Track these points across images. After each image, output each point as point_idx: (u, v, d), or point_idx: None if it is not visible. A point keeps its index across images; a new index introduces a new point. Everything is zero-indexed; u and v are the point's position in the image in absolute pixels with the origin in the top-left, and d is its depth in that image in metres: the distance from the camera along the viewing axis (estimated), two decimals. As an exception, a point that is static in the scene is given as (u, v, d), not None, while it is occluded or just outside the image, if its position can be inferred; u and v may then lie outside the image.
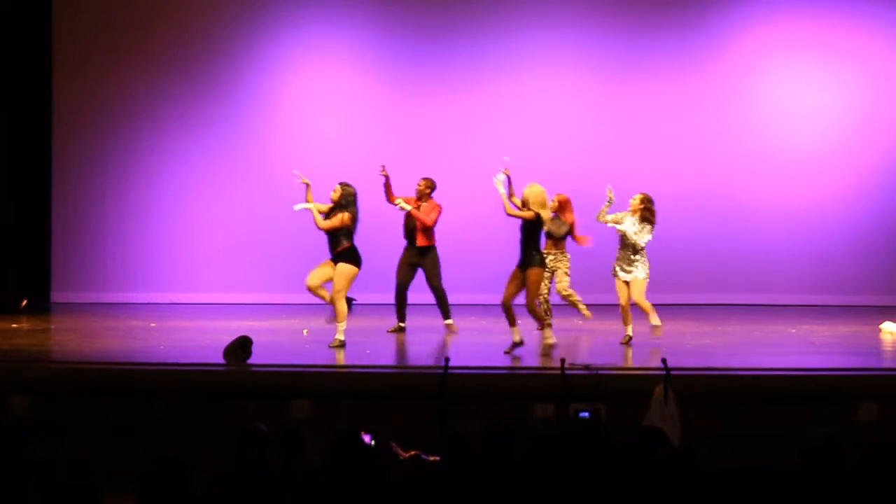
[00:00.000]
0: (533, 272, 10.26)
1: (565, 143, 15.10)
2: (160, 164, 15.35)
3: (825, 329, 12.35)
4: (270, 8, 15.31)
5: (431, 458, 6.20)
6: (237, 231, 15.30)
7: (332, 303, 10.64)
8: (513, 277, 10.40)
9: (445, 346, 11.17)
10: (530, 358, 10.08)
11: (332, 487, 5.02)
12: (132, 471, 5.02)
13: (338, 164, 15.06)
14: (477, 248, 14.08)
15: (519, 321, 10.37)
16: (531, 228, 10.31)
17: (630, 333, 10.86)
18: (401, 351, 11.20)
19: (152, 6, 15.39)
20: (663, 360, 8.57)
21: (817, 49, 15.12)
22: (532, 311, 10.42)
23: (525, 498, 4.99)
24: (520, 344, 10.21)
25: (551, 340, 10.38)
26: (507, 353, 10.16)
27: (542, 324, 10.51)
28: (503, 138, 15.06)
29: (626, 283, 10.92)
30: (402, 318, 11.89)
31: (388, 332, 11.76)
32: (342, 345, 10.49)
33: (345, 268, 10.55)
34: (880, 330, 12.14)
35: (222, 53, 15.29)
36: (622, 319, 10.96)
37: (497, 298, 10.45)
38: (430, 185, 12.04)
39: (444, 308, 11.93)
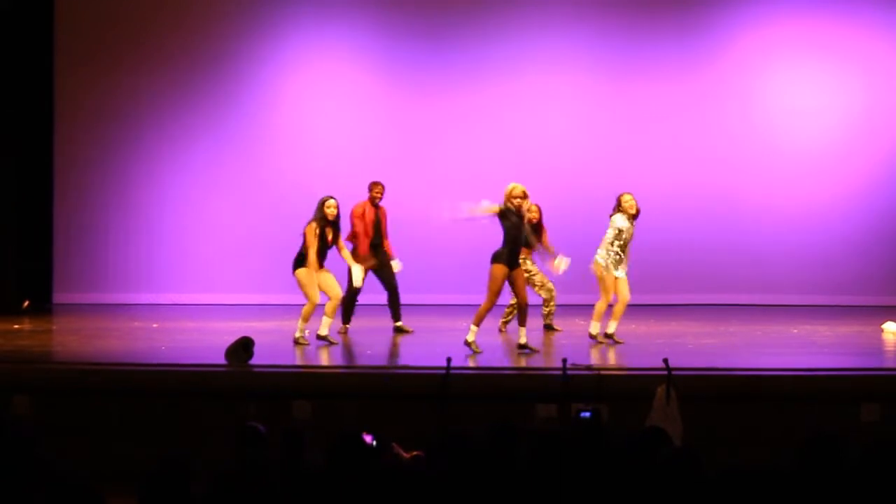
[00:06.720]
0: (520, 272, 10.50)
1: (567, 144, 15.10)
2: (162, 164, 15.36)
3: (827, 329, 12.34)
4: (273, 8, 15.31)
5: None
6: (239, 231, 15.30)
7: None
8: (516, 278, 10.43)
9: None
10: (533, 359, 10.08)
11: (333, 488, 5.02)
12: (134, 471, 5.02)
13: (340, 164, 15.08)
14: (478, 248, 14.03)
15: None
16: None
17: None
18: (402, 352, 11.18)
19: (154, 6, 15.40)
20: (665, 361, 8.58)
21: (819, 50, 15.14)
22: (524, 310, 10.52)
23: (526, 499, 4.98)
24: (526, 346, 10.28)
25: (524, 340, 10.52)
26: (522, 351, 10.25)
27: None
28: (504, 139, 15.08)
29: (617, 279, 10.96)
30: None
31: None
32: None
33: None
34: (882, 330, 12.13)
35: (225, 54, 15.30)
36: (616, 317, 10.99)
37: (499, 299, 10.43)
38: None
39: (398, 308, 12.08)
